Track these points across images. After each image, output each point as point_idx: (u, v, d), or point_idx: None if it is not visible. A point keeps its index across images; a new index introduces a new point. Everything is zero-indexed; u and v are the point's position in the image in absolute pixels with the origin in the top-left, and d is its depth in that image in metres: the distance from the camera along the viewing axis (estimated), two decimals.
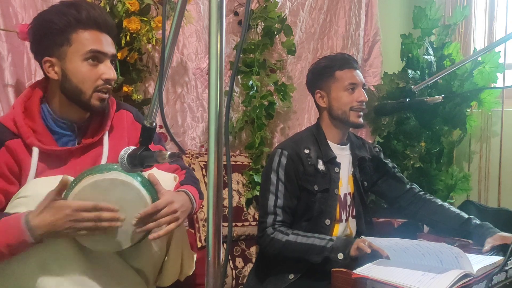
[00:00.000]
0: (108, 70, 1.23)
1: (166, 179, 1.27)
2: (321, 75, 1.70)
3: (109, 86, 1.25)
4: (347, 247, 1.44)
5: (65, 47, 1.20)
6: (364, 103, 1.67)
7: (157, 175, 1.22)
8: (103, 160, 1.27)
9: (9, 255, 1.06)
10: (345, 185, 1.70)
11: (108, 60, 1.24)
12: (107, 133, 1.30)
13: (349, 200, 1.71)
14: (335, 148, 1.70)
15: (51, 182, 1.12)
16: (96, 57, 1.22)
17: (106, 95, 1.25)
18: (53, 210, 1.06)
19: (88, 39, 1.21)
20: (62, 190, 1.09)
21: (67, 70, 1.21)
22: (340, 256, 1.43)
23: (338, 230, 1.66)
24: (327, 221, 1.62)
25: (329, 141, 1.70)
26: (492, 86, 2.58)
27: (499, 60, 2.47)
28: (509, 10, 2.68)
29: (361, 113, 1.67)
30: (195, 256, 1.43)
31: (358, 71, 1.69)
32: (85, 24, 1.20)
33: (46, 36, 1.21)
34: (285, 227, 1.58)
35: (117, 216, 1.11)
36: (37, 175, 1.19)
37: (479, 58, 2.45)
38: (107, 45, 1.24)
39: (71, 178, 1.15)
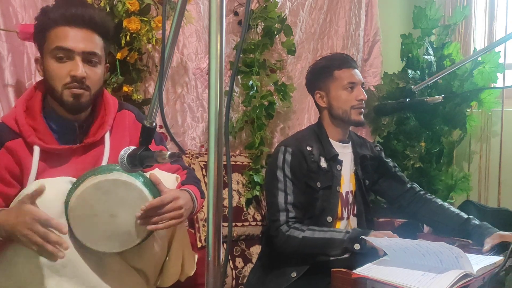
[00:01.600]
0: (75, 67, 1.19)
1: (168, 179, 1.27)
2: (320, 75, 1.71)
3: (77, 84, 1.20)
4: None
5: (44, 45, 1.22)
6: (363, 101, 1.67)
7: (158, 175, 1.22)
8: (104, 160, 1.27)
9: None
10: (347, 183, 1.71)
11: (78, 57, 1.20)
12: (108, 132, 1.30)
13: (350, 198, 1.71)
14: (337, 146, 1.70)
15: (54, 183, 1.12)
16: (64, 54, 1.20)
17: (80, 91, 1.21)
18: (17, 213, 1.05)
19: (57, 36, 1.20)
20: (36, 195, 1.07)
21: (44, 67, 1.23)
22: (357, 246, 1.43)
23: (340, 227, 1.66)
24: (329, 218, 1.62)
25: (330, 139, 1.70)
26: (492, 86, 2.58)
27: (499, 60, 2.47)
28: (509, 10, 2.68)
29: (362, 110, 1.67)
30: (196, 257, 1.43)
31: (356, 70, 1.69)
32: (57, 21, 1.20)
33: (34, 36, 1.25)
34: (298, 223, 1.57)
35: (62, 242, 1.04)
36: (38, 174, 1.19)
37: (479, 58, 2.45)
38: (76, 41, 1.20)
39: (55, 183, 1.14)
